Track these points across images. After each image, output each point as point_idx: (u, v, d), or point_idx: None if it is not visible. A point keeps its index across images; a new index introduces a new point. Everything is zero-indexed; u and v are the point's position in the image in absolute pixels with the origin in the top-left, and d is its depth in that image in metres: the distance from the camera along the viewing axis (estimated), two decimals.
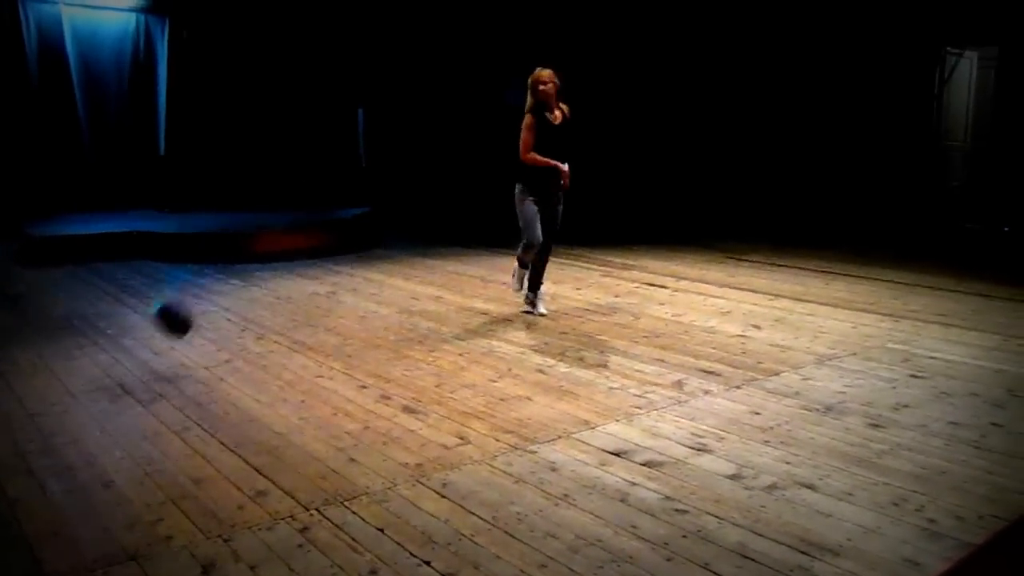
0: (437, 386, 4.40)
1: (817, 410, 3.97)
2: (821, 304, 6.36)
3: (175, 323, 4.73)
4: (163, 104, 11.62)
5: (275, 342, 5.35)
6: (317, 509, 2.95)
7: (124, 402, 4.19)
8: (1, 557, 2.67)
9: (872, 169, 10.60)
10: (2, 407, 4.11)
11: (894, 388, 4.30)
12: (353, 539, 2.73)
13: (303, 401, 4.17)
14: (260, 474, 3.27)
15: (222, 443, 3.60)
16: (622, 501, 3.00)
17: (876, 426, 3.75)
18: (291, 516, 2.90)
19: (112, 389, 4.37)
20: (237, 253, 8.76)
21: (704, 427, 3.76)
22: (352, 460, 3.40)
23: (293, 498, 3.04)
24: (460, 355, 5.01)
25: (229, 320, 6.01)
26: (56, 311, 6.34)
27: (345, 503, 3.00)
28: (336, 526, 2.82)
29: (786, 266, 8.13)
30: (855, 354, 4.96)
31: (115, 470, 3.33)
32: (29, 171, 10.48)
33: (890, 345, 5.15)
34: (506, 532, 2.77)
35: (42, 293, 7.07)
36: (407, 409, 4.04)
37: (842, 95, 10.73)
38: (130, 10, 11.33)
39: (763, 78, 11.23)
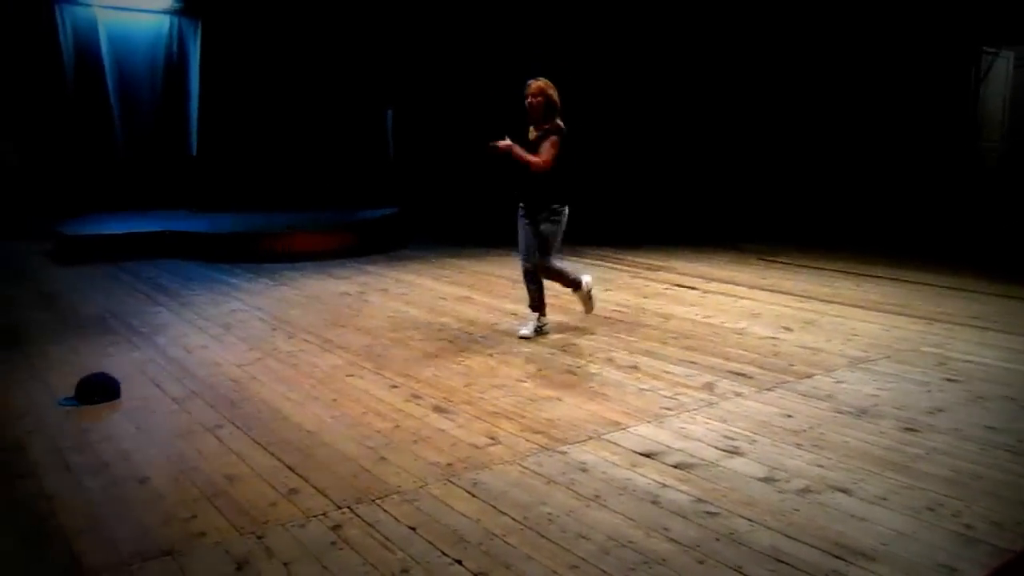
0: (467, 386, 4.41)
1: (850, 413, 3.93)
2: (852, 306, 6.30)
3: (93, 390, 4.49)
4: (195, 105, 11.77)
5: (306, 341, 5.40)
6: (349, 507, 2.97)
7: (158, 399, 4.25)
8: (41, 550, 2.72)
9: (907, 169, 10.47)
10: (38, 403, 4.18)
11: (928, 392, 4.25)
12: (385, 537, 2.75)
13: (334, 400, 4.20)
14: (292, 472, 3.30)
15: (255, 441, 3.64)
16: (653, 503, 2.99)
17: (910, 430, 3.70)
18: (323, 514, 2.92)
19: (146, 386, 4.43)
20: (267, 253, 8.85)
21: (735, 429, 3.74)
22: (383, 459, 3.42)
23: (325, 496, 3.06)
24: (489, 355, 5.02)
25: (260, 319, 6.07)
26: (90, 309, 6.44)
27: (376, 501, 3.02)
28: (368, 524, 2.84)
29: (816, 267, 8.06)
30: (888, 357, 4.90)
31: (149, 467, 3.37)
32: (64, 171, 10.66)
33: (923, 348, 5.09)
34: (537, 532, 2.77)
35: (76, 291, 7.17)
36: (437, 409, 4.05)
37: (877, 94, 10.61)
38: (163, 12, 11.48)
39: (797, 77, 11.14)
